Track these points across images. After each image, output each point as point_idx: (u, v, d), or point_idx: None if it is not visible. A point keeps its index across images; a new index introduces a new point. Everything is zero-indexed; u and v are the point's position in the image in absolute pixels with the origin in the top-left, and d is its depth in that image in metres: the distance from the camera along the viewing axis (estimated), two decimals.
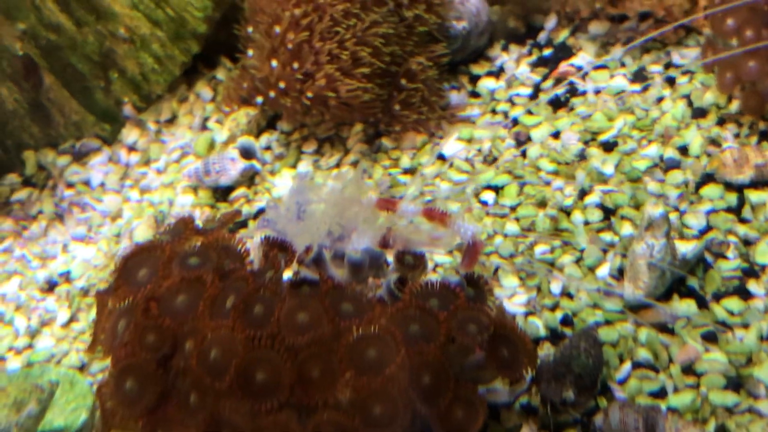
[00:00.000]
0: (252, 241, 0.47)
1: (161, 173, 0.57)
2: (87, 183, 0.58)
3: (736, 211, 0.55)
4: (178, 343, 0.45)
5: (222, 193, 0.55)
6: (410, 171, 0.55)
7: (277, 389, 0.44)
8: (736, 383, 0.47)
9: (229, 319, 0.44)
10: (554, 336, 0.51)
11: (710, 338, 0.49)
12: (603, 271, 0.51)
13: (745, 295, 0.51)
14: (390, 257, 0.48)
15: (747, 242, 0.53)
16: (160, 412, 0.45)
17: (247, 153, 0.55)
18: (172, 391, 0.45)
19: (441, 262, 0.57)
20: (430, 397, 0.45)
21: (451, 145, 0.54)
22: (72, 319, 0.56)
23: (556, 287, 0.51)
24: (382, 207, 0.49)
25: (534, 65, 0.59)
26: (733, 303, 0.50)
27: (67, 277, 0.56)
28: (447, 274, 0.55)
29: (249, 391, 0.44)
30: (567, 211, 0.54)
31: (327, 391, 0.44)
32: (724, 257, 0.52)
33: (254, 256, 0.47)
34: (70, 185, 0.61)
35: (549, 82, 0.58)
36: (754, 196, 0.55)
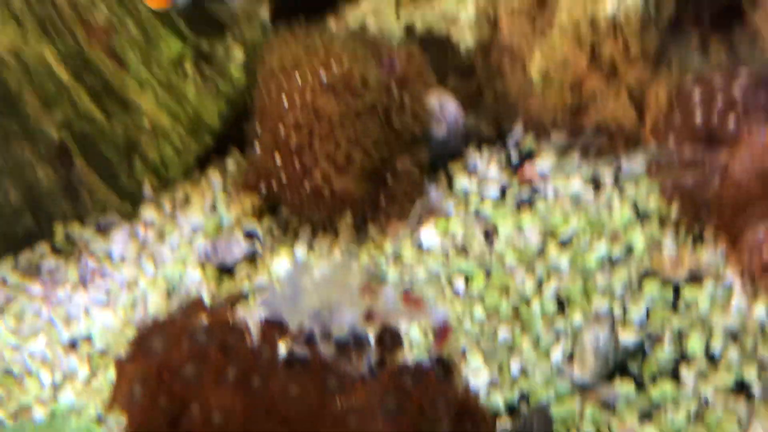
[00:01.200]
0: (252, 318, 0.52)
1: (174, 250, 0.63)
2: (108, 255, 0.65)
3: (672, 305, 0.60)
4: (186, 406, 0.51)
5: (227, 270, 0.61)
6: (393, 258, 0.62)
7: None
8: None
9: (230, 389, 0.50)
10: (512, 411, 0.56)
11: (646, 416, 0.55)
12: (556, 354, 0.56)
13: (677, 379, 0.55)
14: (372, 337, 0.54)
15: (680, 333, 0.58)
16: None
17: (250, 235, 0.60)
18: None
19: (416, 342, 0.63)
20: None
21: (429, 236, 0.60)
22: (92, 376, 0.63)
23: (515, 367, 0.56)
24: (366, 291, 0.55)
25: (502, 167, 0.66)
26: (667, 386, 0.54)
27: (88, 338, 0.63)
28: (420, 355, 0.61)
29: None
30: (527, 300, 0.60)
31: None
32: (661, 345, 0.57)
33: (254, 333, 0.52)
34: (93, 255, 0.68)
35: (515, 183, 0.65)
36: (687, 292, 0.60)
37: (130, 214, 0.63)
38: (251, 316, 0.53)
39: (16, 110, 0.63)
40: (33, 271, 0.61)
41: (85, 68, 0.62)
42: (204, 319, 0.53)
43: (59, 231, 0.64)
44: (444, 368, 0.53)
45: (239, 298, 0.59)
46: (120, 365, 0.53)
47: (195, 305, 0.55)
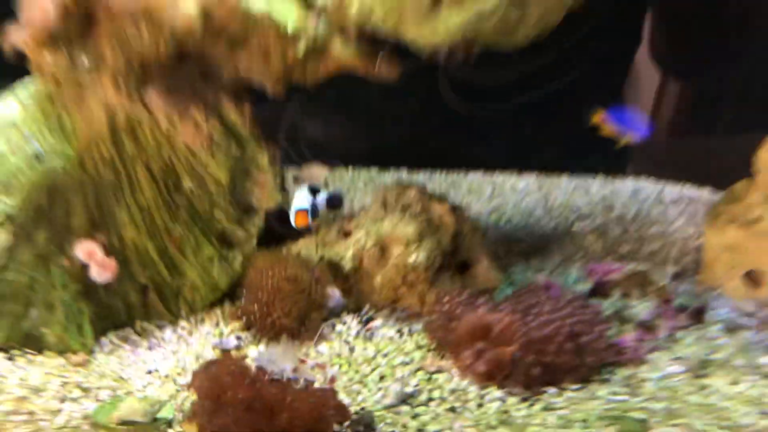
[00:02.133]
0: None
1: (197, 341, 1.06)
2: (163, 338, 1.08)
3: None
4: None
5: (227, 351, 1.08)
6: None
7: None
8: None
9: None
10: None
11: None
12: None
13: None
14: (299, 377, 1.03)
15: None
16: None
17: (238, 338, 1.08)
18: None
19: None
20: None
21: (323, 348, 1.06)
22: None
23: None
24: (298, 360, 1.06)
25: (359, 323, 1.10)
26: None
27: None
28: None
29: None
30: None
31: None
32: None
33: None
34: (156, 338, 1.08)
35: (363, 330, 1.10)
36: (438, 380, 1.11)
37: (174, 323, 1.10)
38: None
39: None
40: (125, 341, 1.05)
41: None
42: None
43: (138, 324, 1.09)
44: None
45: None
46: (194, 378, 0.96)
47: (223, 357, 1.03)
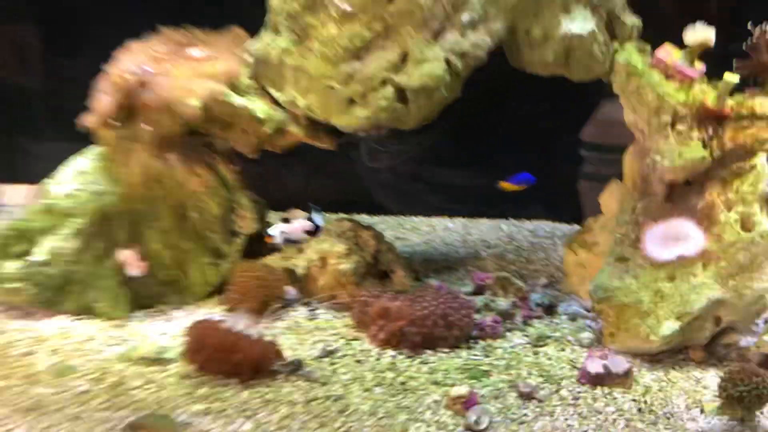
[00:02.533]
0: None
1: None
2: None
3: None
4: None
5: None
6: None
7: None
8: None
9: None
10: None
11: None
12: None
13: None
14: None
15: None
16: None
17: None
18: None
19: None
20: None
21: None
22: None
23: None
24: None
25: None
26: None
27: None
28: None
29: None
30: None
31: None
32: None
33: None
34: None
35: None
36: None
37: (181, 306, 1.51)
38: None
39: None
40: (148, 315, 1.47)
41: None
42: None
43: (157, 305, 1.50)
44: None
45: None
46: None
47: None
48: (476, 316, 1.46)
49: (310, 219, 1.59)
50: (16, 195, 1.88)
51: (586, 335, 1.50)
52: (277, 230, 1.58)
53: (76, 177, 1.48)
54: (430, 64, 1.31)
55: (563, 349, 1.42)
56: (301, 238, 1.55)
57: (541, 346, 1.44)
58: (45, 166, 1.57)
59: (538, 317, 1.54)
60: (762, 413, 1.22)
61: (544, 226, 2.00)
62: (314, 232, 1.59)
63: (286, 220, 1.64)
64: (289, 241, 1.57)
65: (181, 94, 1.39)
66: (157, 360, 1.33)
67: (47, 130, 1.90)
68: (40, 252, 1.42)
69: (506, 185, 1.63)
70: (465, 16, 1.32)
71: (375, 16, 1.31)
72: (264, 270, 1.52)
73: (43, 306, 1.42)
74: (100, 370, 1.30)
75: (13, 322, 1.42)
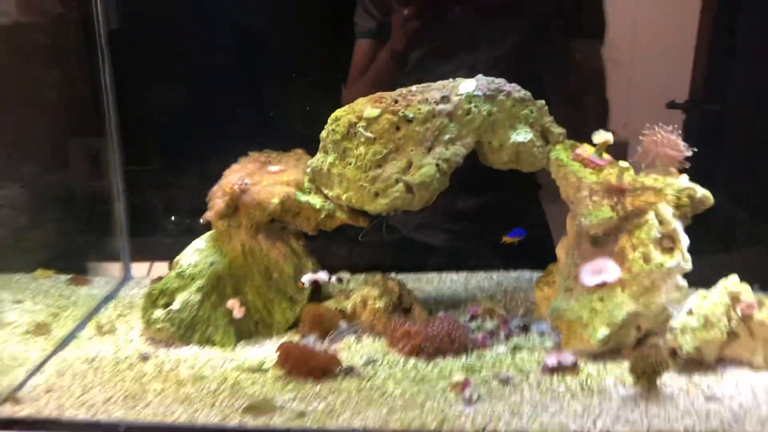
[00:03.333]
0: None
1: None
2: None
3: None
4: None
5: None
6: None
7: None
8: None
9: None
10: None
11: None
12: None
13: None
14: None
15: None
16: None
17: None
18: None
19: None
20: None
21: None
22: None
23: None
24: None
25: None
26: None
27: None
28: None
29: None
30: None
31: None
32: None
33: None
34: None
35: None
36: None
37: (270, 337, 1.88)
38: None
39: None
40: (248, 344, 2.00)
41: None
42: None
43: (253, 338, 1.90)
44: None
45: None
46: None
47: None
48: (471, 335, 1.82)
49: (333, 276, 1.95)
50: (141, 269, 2.52)
51: (549, 344, 1.81)
52: (305, 278, 1.90)
53: (196, 253, 1.85)
54: (426, 168, 1.72)
55: (533, 354, 1.75)
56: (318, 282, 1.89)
57: (517, 352, 1.77)
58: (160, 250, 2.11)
59: (516, 335, 1.85)
60: (661, 383, 1.59)
61: (525, 274, 2.38)
62: (326, 281, 1.91)
63: (339, 280, 2.01)
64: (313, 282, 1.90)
65: (267, 196, 1.78)
66: (259, 369, 1.71)
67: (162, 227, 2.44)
68: (176, 303, 1.80)
69: (507, 239, 1.89)
70: (446, 136, 1.72)
71: (389, 140, 1.72)
72: (324, 310, 1.86)
73: (179, 339, 1.80)
74: (222, 376, 1.67)
75: (161, 350, 1.80)
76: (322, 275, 1.87)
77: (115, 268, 2.18)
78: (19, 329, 1.77)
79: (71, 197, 2.02)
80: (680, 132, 1.68)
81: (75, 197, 2.04)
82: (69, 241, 2.08)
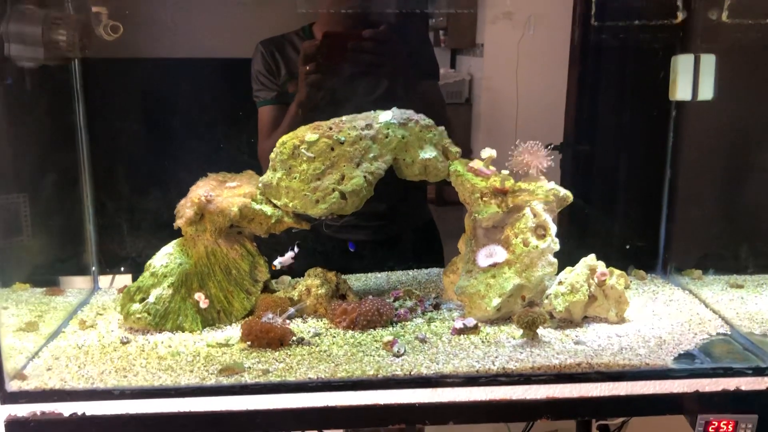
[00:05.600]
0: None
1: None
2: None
3: None
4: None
5: None
6: None
7: None
8: None
9: None
10: None
11: None
12: None
13: None
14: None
15: None
16: None
17: None
18: None
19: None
20: None
21: None
22: None
23: None
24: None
25: None
26: None
27: None
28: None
29: None
30: None
31: None
32: None
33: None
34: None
35: None
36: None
37: (230, 324, 2.12)
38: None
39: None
40: (212, 329, 2.30)
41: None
42: None
43: (216, 324, 2.12)
44: None
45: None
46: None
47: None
48: (395, 311, 2.04)
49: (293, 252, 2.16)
50: (105, 281, 2.79)
51: (456, 314, 2.10)
52: (276, 261, 2.12)
53: (166, 256, 2.03)
54: (356, 179, 1.98)
55: (444, 323, 1.99)
56: (289, 263, 2.13)
57: (431, 322, 2.01)
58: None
59: (430, 311, 2.10)
60: (541, 334, 1.94)
61: (435, 270, 2.58)
62: (294, 258, 2.12)
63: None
64: (283, 266, 2.14)
65: (228, 205, 1.98)
66: (226, 344, 1.87)
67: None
68: (152, 297, 1.98)
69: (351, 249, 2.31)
70: (371, 155, 2.01)
71: (326, 158, 1.98)
72: (275, 298, 2.07)
73: (154, 327, 1.96)
74: (196, 351, 1.84)
75: (139, 337, 1.96)
76: (290, 254, 2.08)
77: (85, 281, 2.40)
78: (11, 328, 1.87)
79: (48, 219, 2.29)
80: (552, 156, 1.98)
81: (51, 219, 2.31)
82: (44, 257, 2.35)
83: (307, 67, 2.09)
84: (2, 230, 2.01)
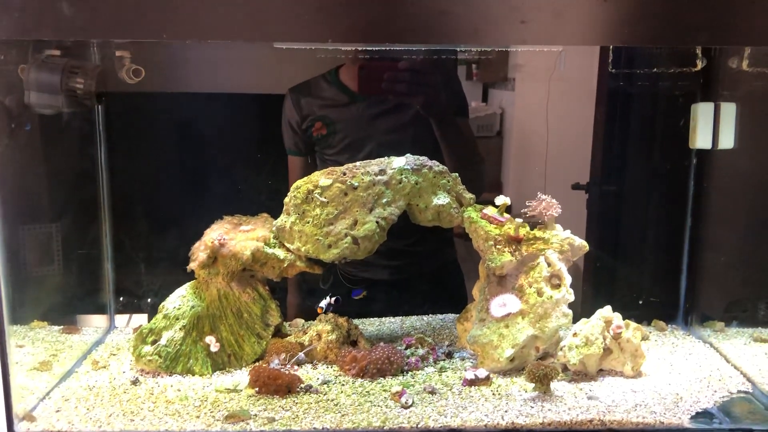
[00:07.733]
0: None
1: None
2: None
3: None
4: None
5: None
6: None
7: None
8: None
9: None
10: None
11: None
12: None
13: None
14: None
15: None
16: None
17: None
18: None
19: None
20: None
21: None
22: None
23: None
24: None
25: None
26: None
27: None
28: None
29: None
30: None
31: None
32: None
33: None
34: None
35: None
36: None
37: (240, 368, 2.13)
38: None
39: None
40: (222, 373, 2.43)
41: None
42: None
43: (227, 368, 2.09)
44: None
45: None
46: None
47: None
48: (406, 359, 2.03)
49: (335, 298, 2.22)
50: (122, 320, 2.82)
51: (468, 364, 2.08)
52: (323, 303, 2.15)
53: (179, 298, 2.05)
54: (368, 224, 1.99)
55: (455, 373, 1.97)
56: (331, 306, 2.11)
57: (443, 371, 2.01)
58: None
59: (443, 359, 2.09)
60: (554, 388, 1.92)
61: (450, 316, 2.55)
62: (337, 302, 2.16)
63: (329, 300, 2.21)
64: (327, 307, 2.17)
65: (241, 249, 2.00)
66: (234, 390, 1.90)
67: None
68: (163, 339, 2.00)
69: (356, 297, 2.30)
70: (384, 200, 2.01)
71: (339, 203, 1.99)
72: (286, 343, 2.07)
73: (165, 370, 1.99)
74: (204, 396, 1.86)
75: (149, 379, 1.99)
76: (332, 300, 2.15)
77: (101, 320, 2.40)
78: (25, 367, 1.92)
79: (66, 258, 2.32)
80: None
81: (69, 259, 2.33)
82: (62, 297, 2.37)
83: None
84: (37, 259, 2.02)
